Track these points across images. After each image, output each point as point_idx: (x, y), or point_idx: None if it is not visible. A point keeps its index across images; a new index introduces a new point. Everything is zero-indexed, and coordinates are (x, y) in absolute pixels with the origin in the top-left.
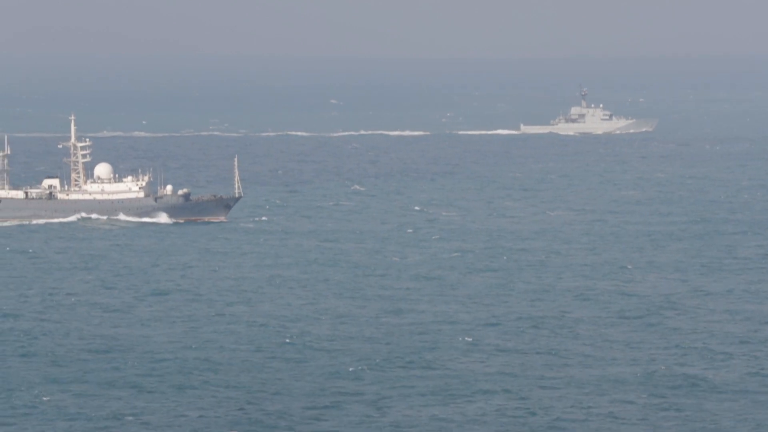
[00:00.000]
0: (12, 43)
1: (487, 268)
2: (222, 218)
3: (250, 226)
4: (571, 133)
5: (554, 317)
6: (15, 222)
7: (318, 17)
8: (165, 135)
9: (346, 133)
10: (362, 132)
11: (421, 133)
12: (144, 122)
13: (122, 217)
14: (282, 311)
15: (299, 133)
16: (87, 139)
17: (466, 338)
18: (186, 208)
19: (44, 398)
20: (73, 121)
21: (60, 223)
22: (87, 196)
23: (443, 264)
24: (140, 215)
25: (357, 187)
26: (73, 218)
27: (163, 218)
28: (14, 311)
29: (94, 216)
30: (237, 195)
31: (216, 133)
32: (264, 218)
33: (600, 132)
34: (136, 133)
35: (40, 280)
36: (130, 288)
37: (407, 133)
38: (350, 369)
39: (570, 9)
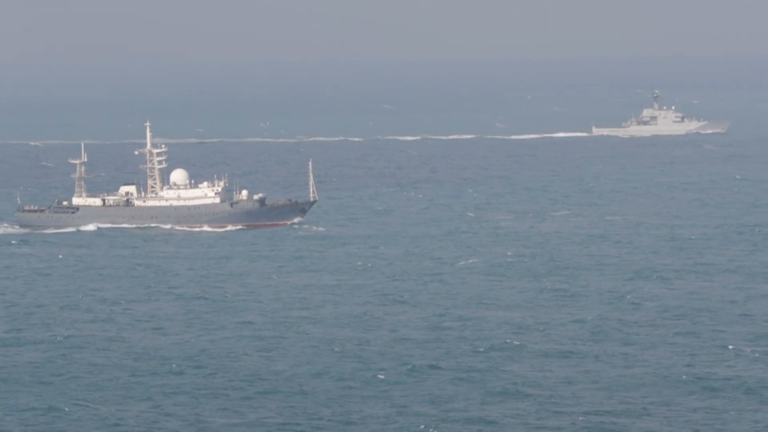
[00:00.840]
0: (88, 52)
1: (543, 272)
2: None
3: (320, 230)
4: (643, 135)
5: (610, 320)
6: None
7: (363, 21)
8: (232, 141)
9: (401, 137)
10: (417, 137)
11: (473, 136)
12: (200, 130)
13: (198, 223)
14: (341, 316)
15: (355, 139)
16: (163, 146)
17: (515, 342)
18: (261, 213)
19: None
20: (148, 128)
21: (137, 228)
22: (163, 203)
23: (496, 269)
24: (216, 221)
25: (413, 193)
26: (150, 224)
27: (239, 224)
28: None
29: (170, 222)
30: (312, 199)
31: (270, 139)
32: (323, 224)
33: (672, 134)
34: (207, 140)
35: (126, 283)
36: (209, 295)
37: (462, 136)
38: (408, 370)
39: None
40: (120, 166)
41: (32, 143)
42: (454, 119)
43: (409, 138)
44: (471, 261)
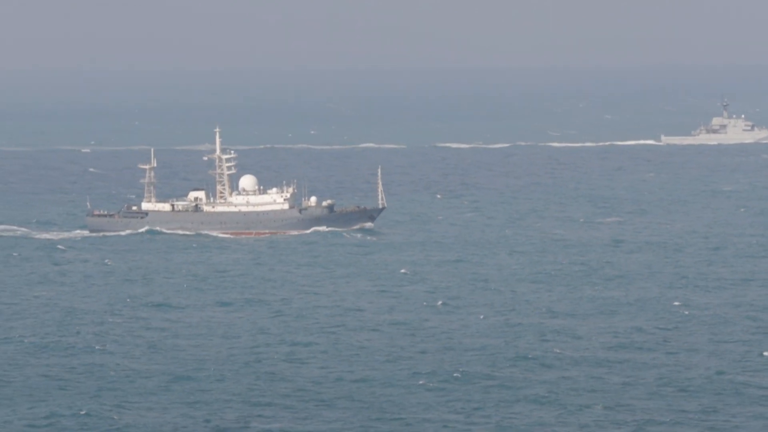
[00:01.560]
0: (158, 58)
1: (591, 280)
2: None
3: (396, 238)
4: (712, 143)
5: (654, 328)
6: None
7: (408, 30)
8: (281, 147)
9: (452, 144)
10: (468, 144)
11: (526, 143)
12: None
13: (267, 229)
14: (393, 323)
15: (452, 145)
16: (232, 151)
17: (558, 350)
18: (330, 220)
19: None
20: (218, 134)
21: (206, 234)
22: (232, 208)
23: (543, 276)
24: (285, 227)
25: (463, 200)
26: (219, 230)
27: (307, 230)
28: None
29: (239, 228)
30: (381, 206)
31: (320, 146)
32: (393, 230)
33: (742, 142)
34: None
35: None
36: (265, 299)
37: (517, 143)
38: (455, 375)
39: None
40: (188, 171)
41: (83, 150)
42: (506, 126)
43: (464, 146)
44: (520, 268)
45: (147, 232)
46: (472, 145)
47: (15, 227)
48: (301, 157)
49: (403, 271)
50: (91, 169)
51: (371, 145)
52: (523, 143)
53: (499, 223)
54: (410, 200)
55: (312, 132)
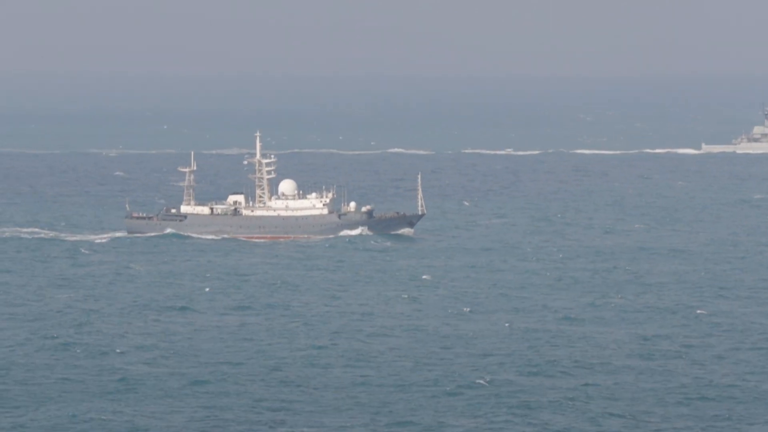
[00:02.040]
0: (199, 63)
1: (615, 286)
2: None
3: (421, 244)
4: (753, 152)
5: (677, 335)
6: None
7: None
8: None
9: (486, 151)
10: (501, 151)
11: (553, 150)
12: (340, 138)
13: (306, 233)
14: (419, 329)
15: (482, 151)
16: (272, 156)
17: (580, 356)
18: (369, 226)
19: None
20: (258, 138)
21: (246, 239)
22: (271, 213)
23: (568, 282)
24: (324, 232)
25: (494, 206)
26: (257, 234)
27: (346, 236)
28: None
29: (278, 232)
30: (420, 212)
31: (348, 151)
32: (418, 235)
33: None
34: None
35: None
36: (292, 304)
37: (547, 150)
38: (479, 382)
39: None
40: (228, 175)
41: (110, 153)
42: (536, 134)
43: (493, 152)
44: (545, 275)
45: (172, 235)
46: (501, 152)
47: (41, 230)
48: (330, 162)
49: (425, 277)
50: (118, 173)
51: (399, 150)
52: (552, 150)
53: (525, 230)
54: (437, 206)
55: (340, 138)
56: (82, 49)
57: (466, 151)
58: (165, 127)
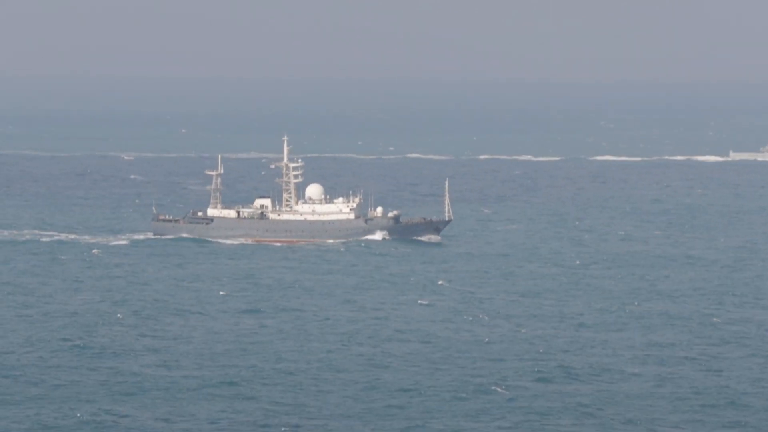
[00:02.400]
0: (225, 68)
1: (634, 293)
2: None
3: (439, 249)
4: None
5: (696, 342)
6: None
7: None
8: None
9: (502, 156)
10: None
11: (569, 157)
12: (360, 143)
13: (332, 238)
14: (430, 334)
15: (501, 157)
16: (299, 160)
17: (599, 363)
18: (396, 231)
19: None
20: (285, 142)
21: (272, 242)
22: (298, 217)
23: (585, 288)
24: (350, 237)
25: (513, 212)
26: (284, 238)
27: (372, 240)
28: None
29: (304, 236)
30: (447, 218)
31: (368, 156)
32: (452, 241)
33: None
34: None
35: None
36: (309, 308)
37: (568, 156)
38: (494, 388)
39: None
40: (254, 179)
41: (124, 156)
42: (556, 140)
43: (512, 158)
44: (562, 280)
45: (191, 239)
46: (520, 158)
47: (58, 233)
48: (349, 167)
49: (441, 282)
50: (133, 176)
51: (418, 155)
52: (572, 156)
53: (542, 236)
54: (455, 212)
55: (359, 143)
56: (82, 49)
57: (484, 156)
58: (183, 131)
